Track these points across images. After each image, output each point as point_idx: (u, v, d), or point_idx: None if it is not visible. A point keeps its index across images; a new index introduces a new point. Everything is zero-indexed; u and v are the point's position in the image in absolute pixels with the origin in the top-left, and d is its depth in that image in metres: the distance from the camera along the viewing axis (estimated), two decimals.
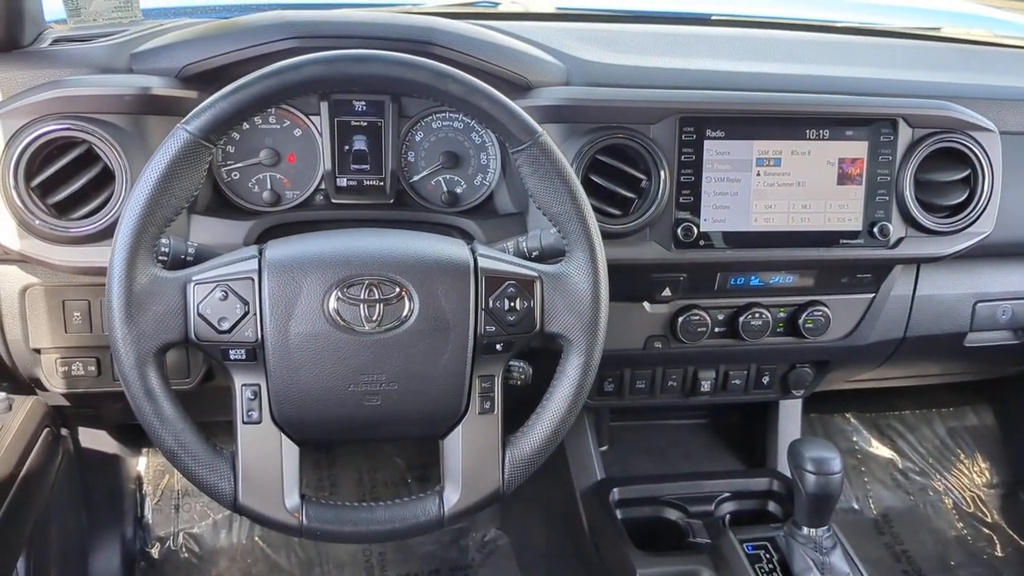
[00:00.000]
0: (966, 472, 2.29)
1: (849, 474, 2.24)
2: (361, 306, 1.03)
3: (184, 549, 1.90)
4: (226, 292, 1.02)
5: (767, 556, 1.36)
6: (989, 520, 2.22)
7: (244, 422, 1.05)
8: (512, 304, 1.07)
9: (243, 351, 1.03)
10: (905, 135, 1.38)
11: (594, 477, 1.62)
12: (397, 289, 1.04)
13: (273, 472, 1.05)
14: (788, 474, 1.33)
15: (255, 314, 1.02)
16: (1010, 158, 1.44)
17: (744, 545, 1.38)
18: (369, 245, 1.07)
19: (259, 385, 1.05)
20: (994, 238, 1.45)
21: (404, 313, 1.04)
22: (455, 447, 1.09)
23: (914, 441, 2.30)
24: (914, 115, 1.37)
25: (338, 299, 1.02)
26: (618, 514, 1.55)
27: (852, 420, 2.30)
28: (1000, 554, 2.14)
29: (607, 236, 1.28)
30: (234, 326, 1.02)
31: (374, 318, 1.03)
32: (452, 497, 1.09)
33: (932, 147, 1.38)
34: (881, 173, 1.38)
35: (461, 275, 1.06)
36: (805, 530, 1.32)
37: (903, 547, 2.12)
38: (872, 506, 2.20)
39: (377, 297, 1.03)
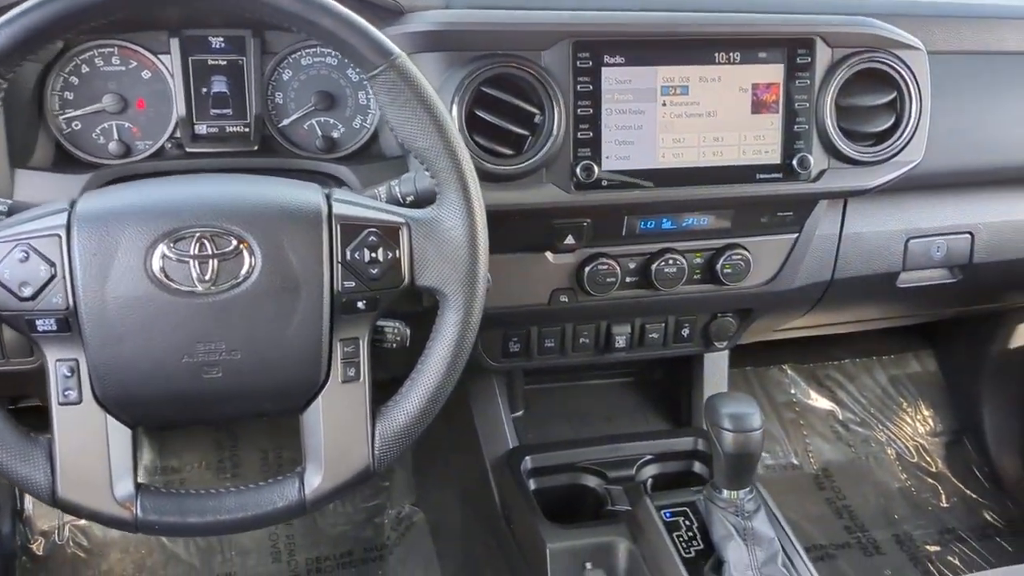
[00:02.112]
0: (909, 421, 2.20)
1: (787, 428, 2.14)
2: (192, 263, 0.88)
3: (71, 543, 1.74)
4: (27, 252, 0.87)
5: (686, 523, 1.25)
6: (933, 470, 2.14)
7: (60, 403, 0.90)
8: (374, 255, 0.94)
9: (53, 321, 0.88)
10: (824, 56, 1.25)
11: (505, 446, 1.49)
12: (234, 242, 0.90)
13: (98, 459, 0.91)
14: None
15: (64, 277, 0.87)
16: (939, 80, 1.32)
17: (662, 512, 1.26)
18: (200, 192, 0.92)
19: (76, 360, 0.90)
20: (924, 168, 1.33)
21: (244, 270, 0.90)
22: (315, 422, 0.96)
23: (854, 391, 2.21)
24: (833, 33, 1.25)
25: (164, 256, 0.88)
26: (531, 484, 1.42)
27: (789, 372, 2.20)
28: (945, 504, 2.06)
29: (498, 179, 1.16)
30: (39, 292, 0.87)
31: (207, 276, 0.89)
32: (314, 479, 0.95)
33: (854, 69, 1.25)
34: (799, 99, 1.25)
35: (311, 223, 0.92)
36: (725, 493, 1.20)
37: (845, 502, 2.04)
38: (812, 461, 2.11)
39: (210, 252, 0.89)
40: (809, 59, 1.24)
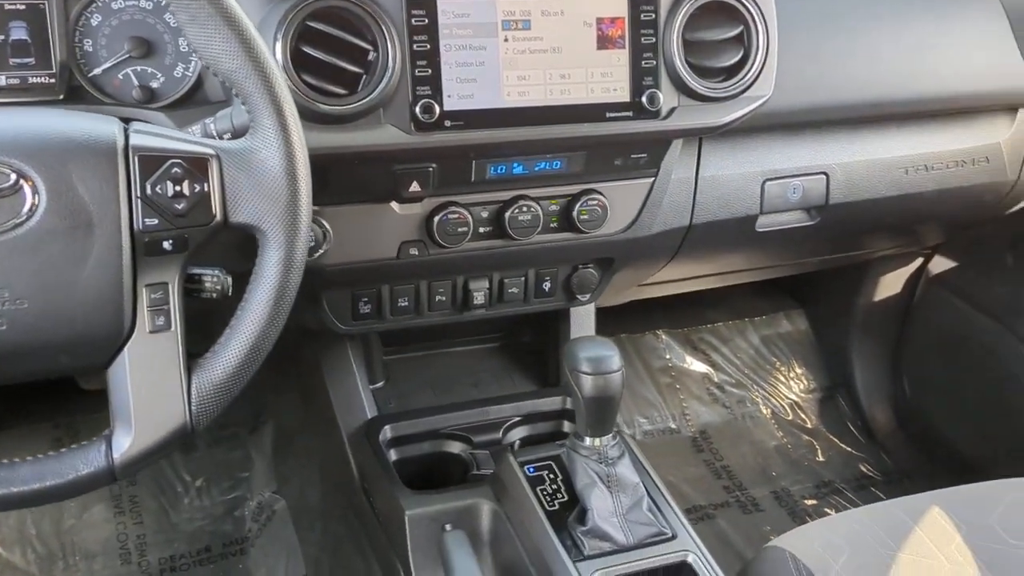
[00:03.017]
0: (783, 380, 2.21)
1: (664, 393, 2.12)
2: None
3: None
4: None
5: (550, 477, 1.19)
6: (809, 426, 2.15)
7: None
8: (179, 189, 0.85)
9: None
10: None
11: (363, 417, 1.40)
12: (13, 177, 0.80)
13: None
14: None
15: None
16: (791, 17, 1.30)
17: (525, 467, 1.20)
18: None
19: None
20: (777, 106, 1.31)
21: (26, 208, 0.80)
22: (122, 377, 0.86)
23: (728, 353, 2.21)
24: None
25: None
26: (392, 455, 1.34)
27: (663, 337, 2.18)
28: (821, 459, 2.08)
29: (332, 119, 1.07)
30: None
31: None
32: (123, 441, 0.85)
33: (699, 2, 1.22)
34: (645, 34, 1.20)
35: (104, 155, 0.82)
36: (588, 441, 1.15)
37: (723, 462, 2.02)
38: (689, 424, 2.09)
39: None
40: None
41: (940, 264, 1.97)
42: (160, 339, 0.86)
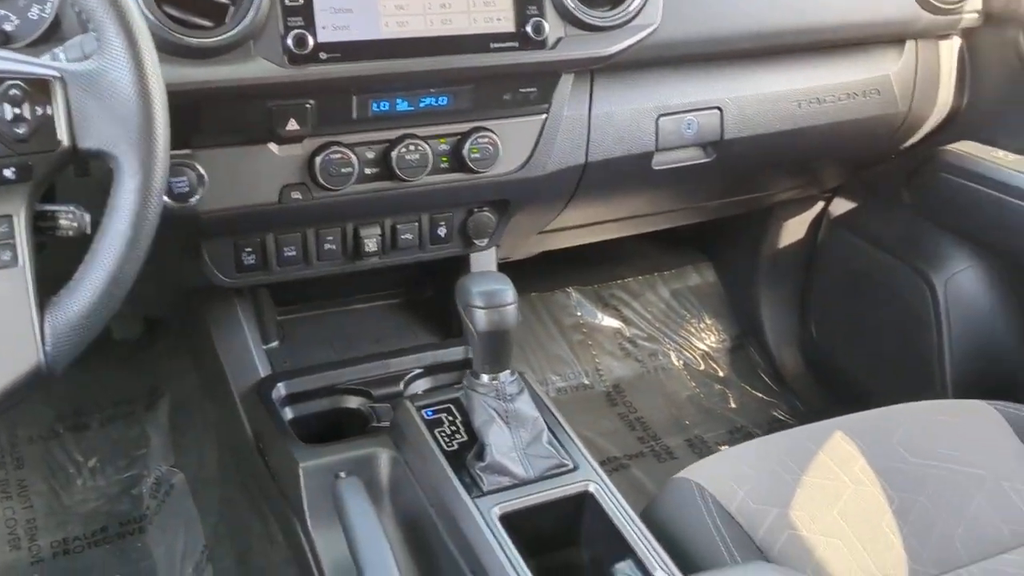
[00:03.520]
0: (694, 331, 2.21)
1: (576, 350, 2.10)
2: None
3: None
4: None
5: (449, 419, 1.15)
6: (721, 375, 2.16)
7: None
8: (18, 111, 0.78)
9: None
10: None
11: (256, 376, 1.34)
12: None
13: None
14: None
15: None
16: None
17: (423, 412, 1.16)
18: None
19: None
20: (664, 36, 1.29)
21: None
22: None
23: (639, 308, 2.20)
24: None
25: None
26: (288, 413, 1.29)
27: (574, 295, 2.16)
28: (734, 405, 2.09)
29: (199, 53, 1.02)
30: None
31: None
32: None
33: None
34: None
35: None
36: (484, 378, 1.11)
37: (637, 415, 2.02)
38: (603, 379, 2.08)
39: None
40: None
41: (840, 206, 1.99)
42: (7, 276, 0.80)
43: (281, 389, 1.30)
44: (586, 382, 2.06)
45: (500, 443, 1.07)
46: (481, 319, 1.08)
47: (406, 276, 1.56)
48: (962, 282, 1.72)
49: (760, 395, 2.11)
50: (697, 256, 2.29)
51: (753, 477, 1.19)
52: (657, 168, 1.47)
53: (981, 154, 1.63)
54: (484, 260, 1.49)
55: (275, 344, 1.46)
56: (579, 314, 2.15)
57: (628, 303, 2.19)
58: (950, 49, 1.66)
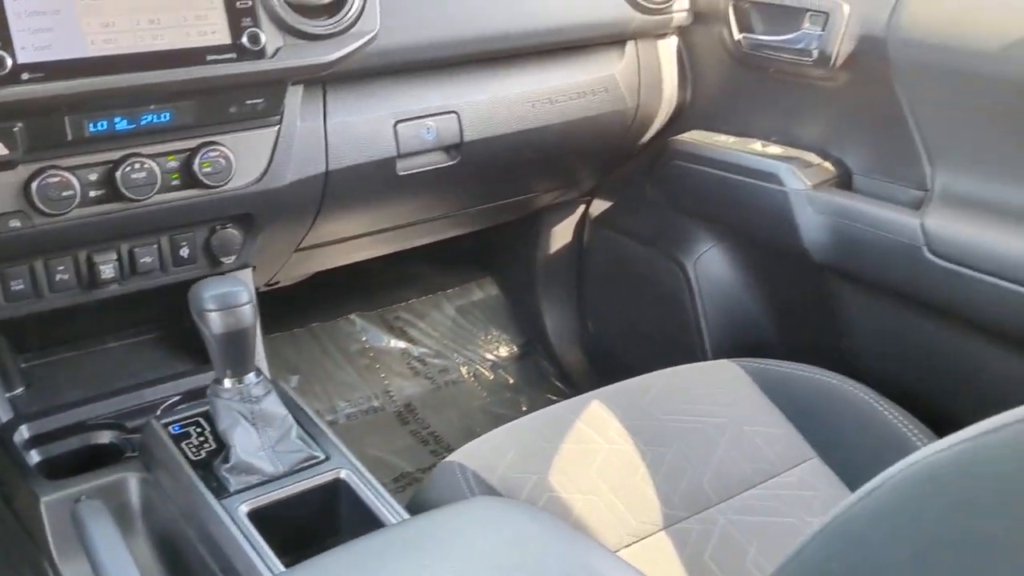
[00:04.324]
0: (482, 344, 2.26)
1: (363, 374, 2.10)
2: None
3: None
4: None
5: (198, 431, 1.13)
6: (511, 383, 2.21)
7: None
8: None
9: None
10: None
11: None
12: None
13: None
14: None
15: None
16: None
17: (170, 428, 1.13)
18: None
19: None
20: (390, 43, 1.35)
21: None
22: None
23: (426, 327, 2.23)
24: None
25: None
26: (34, 455, 1.22)
27: (358, 321, 2.17)
28: (524, 409, 2.14)
29: None
30: None
31: None
32: None
33: None
34: None
35: None
36: (228, 383, 1.10)
37: (430, 430, 2.03)
38: (393, 399, 2.08)
39: None
40: None
41: (599, 207, 2.09)
42: None
43: (24, 432, 1.24)
44: (376, 404, 2.06)
45: (246, 443, 1.06)
46: (216, 322, 1.07)
47: (162, 309, 1.52)
48: (707, 261, 1.84)
49: (549, 396, 2.17)
50: (478, 272, 2.35)
51: (514, 451, 1.23)
52: (403, 174, 1.50)
53: (706, 140, 1.76)
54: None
55: (19, 391, 1.38)
56: (364, 339, 2.15)
57: (414, 323, 2.22)
58: (669, 47, 1.80)
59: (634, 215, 2.00)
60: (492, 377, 2.20)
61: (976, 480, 0.48)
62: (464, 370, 2.19)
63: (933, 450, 0.50)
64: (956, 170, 1.40)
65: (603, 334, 2.14)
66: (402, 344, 2.18)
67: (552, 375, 2.22)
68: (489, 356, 2.24)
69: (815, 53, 1.53)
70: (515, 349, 2.26)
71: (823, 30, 1.52)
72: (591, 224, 2.12)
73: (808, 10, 1.55)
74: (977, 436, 0.49)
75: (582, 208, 2.15)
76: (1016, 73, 1.28)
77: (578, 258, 2.18)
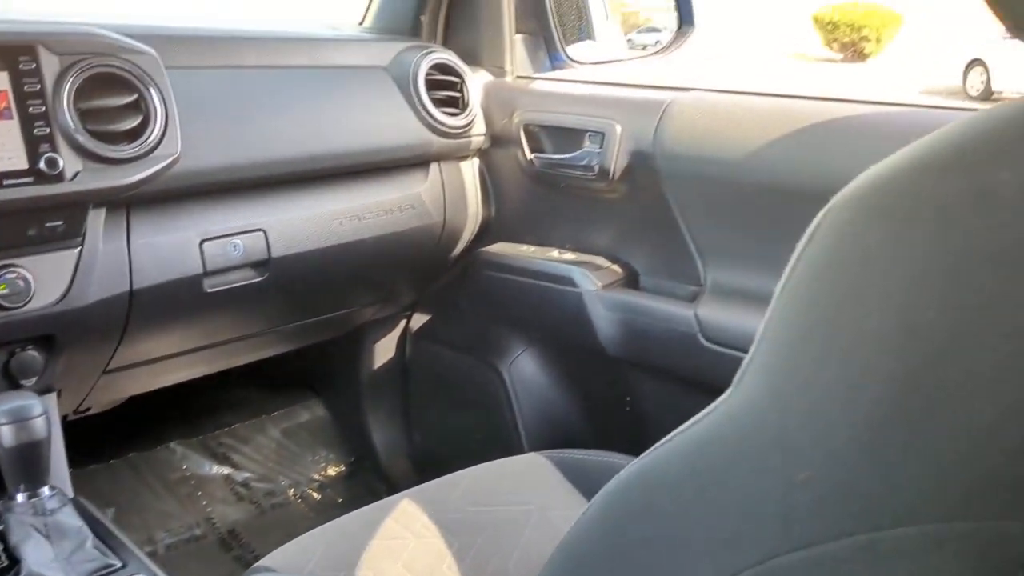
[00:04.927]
0: (310, 464, 2.26)
1: (185, 503, 2.06)
2: None
3: None
4: None
5: None
6: (340, 500, 2.21)
7: None
8: None
9: None
10: (51, 63, 1.26)
11: None
12: None
13: None
14: None
15: None
16: (194, 90, 1.45)
17: None
18: None
19: None
20: (190, 164, 1.40)
21: None
22: None
23: (250, 451, 2.21)
24: (56, 41, 1.27)
25: None
26: None
27: (178, 449, 2.13)
28: None
29: None
30: None
31: None
32: None
33: (86, 73, 1.28)
34: (33, 104, 1.24)
35: None
36: (20, 497, 1.09)
37: (255, 554, 1.99)
38: (216, 527, 2.04)
39: None
40: (35, 65, 1.25)
41: (419, 320, 2.17)
42: None
43: None
44: (198, 533, 2.01)
45: (38, 556, 1.04)
46: (7, 435, 1.06)
47: None
48: (521, 364, 1.94)
49: None
50: (304, 393, 2.36)
51: (322, 551, 1.25)
52: (211, 291, 1.54)
53: (511, 251, 1.89)
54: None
55: None
56: (185, 467, 2.11)
57: (237, 448, 2.20)
58: (471, 167, 1.93)
59: (452, 325, 2.09)
60: (320, 497, 2.20)
61: (655, 484, 0.57)
62: (291, 492, 2.18)
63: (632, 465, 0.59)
64: (721, 265, 1.56)
65: (429, 443, 2.19)
66: (225, 470, 2.15)
67: (381, 490, 2.23)
68: (316, 476, 2.24)
69: (596, 168, 1.70)
70: (343, 468, 2.27)
71: (601, 148, 1.69)
72: (412, 337, 2.19)
73: (587, 131, 1.72)
74: (655, 448, 0.58)
75: (403, 322, 2.22)
76: (759, 177, 1.47)
77: (402, 371, 2.24)
